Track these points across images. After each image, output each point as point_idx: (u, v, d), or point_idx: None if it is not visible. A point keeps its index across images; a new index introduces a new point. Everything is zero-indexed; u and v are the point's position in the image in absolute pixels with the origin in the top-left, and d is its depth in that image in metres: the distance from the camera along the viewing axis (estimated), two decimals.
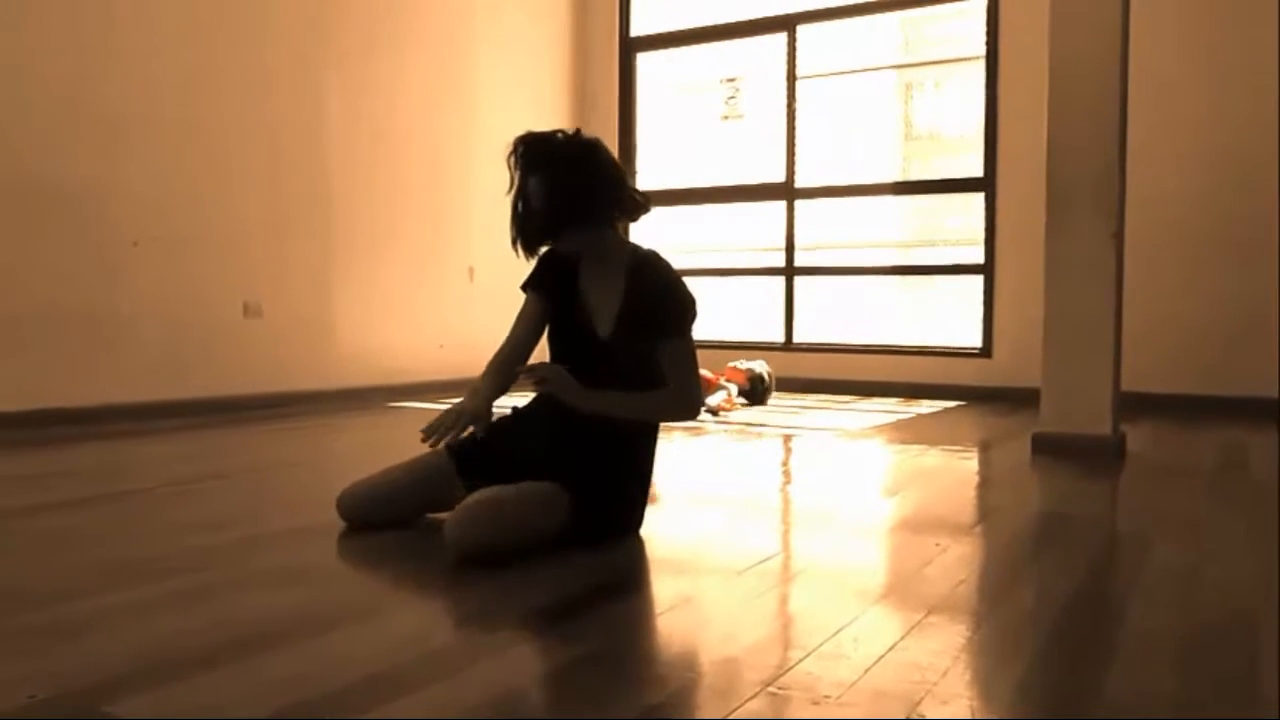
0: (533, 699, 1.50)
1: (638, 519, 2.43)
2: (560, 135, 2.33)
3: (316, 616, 1.80)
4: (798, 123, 6.50)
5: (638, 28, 7.14)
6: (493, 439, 2.41)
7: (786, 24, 6.54)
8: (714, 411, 4.97)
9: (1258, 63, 4.97)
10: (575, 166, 2.31)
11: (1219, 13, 5.14)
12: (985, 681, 1.53)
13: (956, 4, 6.10)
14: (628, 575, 2.17)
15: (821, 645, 1.62)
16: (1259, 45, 4.96)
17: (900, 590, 1.99)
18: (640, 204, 2.40)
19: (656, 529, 2.46)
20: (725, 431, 4.46)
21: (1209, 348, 5.09)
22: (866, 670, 1.51)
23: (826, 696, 1.41)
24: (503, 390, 2.44)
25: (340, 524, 2.44)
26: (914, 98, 8.07)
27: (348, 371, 5.44)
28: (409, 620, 1.85)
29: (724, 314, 6.80)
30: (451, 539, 2.11)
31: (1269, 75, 4.93)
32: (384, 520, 2.43)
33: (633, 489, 2.40)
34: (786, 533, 2.64)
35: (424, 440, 2.33)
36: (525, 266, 2.52)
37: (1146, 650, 1.64)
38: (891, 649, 1.60)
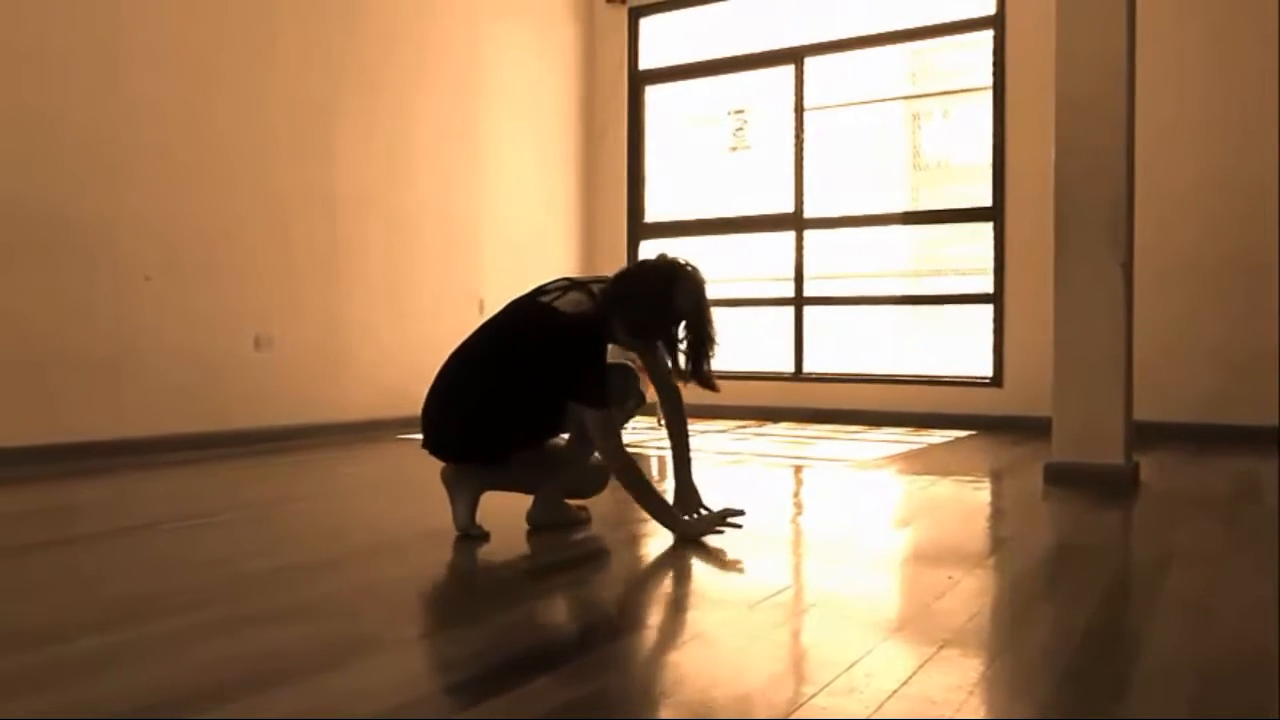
0: None
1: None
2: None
3: (326, 652, 1.79)
4: (806, 153, 6.53)
5: (646, 61, 7.21)
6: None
7: (794, 56, 6.59)
8: None
9: (1262, 93, 4.98)
10: None
11: (1223, 44, 5.16)
12: (1000, 717, 1.51)
13: (963, 35, 6.14)
14: (638, 610, 2.16)
15: (834, 680, 1.60)
16: (1263, 76, 4.98)
17: (913, 623, 1.98)
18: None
19: (666, 561, 2.45)
20: (736, 463, 4.44)
21: (1220, 377, 5.07)
22: (880, 705, 1.49)
23: None
24: None
25: (350, 558, 2.43)
26: (922, 128, 8.11)
27: (358, 404, 5.45)
28: (419, 656, 1.84)
29: (733, 344, 6.79)
30: None
31: (1272, 106, 4.94)
32: None
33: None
34: (798, 565, 2.62)
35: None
36: None
37: (1161, 685, 1.62)
38: (905, 684, 1.59)
